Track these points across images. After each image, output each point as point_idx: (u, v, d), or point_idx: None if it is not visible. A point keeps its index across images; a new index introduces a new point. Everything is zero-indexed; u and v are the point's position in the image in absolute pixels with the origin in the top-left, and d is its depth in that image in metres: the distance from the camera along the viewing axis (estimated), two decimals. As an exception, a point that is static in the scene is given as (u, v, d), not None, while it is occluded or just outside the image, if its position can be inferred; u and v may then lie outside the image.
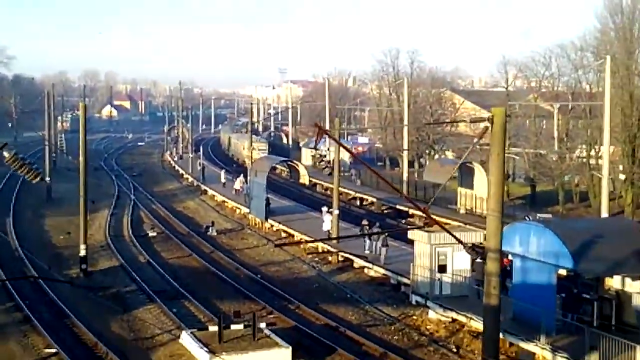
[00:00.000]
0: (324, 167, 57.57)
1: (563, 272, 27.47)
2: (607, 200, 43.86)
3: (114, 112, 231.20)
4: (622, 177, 51.10)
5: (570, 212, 59.59)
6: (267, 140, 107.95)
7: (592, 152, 59.33)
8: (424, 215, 55.09)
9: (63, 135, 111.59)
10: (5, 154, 19.34)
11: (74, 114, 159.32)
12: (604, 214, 43.53)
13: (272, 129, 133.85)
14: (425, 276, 33.42)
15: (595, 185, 57.76)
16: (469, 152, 44.38)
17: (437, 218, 54.84)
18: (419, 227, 30.47)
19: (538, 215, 49.55)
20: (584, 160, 61.24)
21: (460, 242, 18.52)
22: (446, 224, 50.43)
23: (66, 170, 76.39)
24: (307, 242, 38.57)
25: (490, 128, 15.95)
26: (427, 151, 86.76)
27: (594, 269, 26.61)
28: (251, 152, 64.80)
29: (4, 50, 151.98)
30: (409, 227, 54.96)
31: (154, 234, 53.07)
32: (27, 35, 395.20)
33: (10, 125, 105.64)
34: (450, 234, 19.09)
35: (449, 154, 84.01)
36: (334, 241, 44.85)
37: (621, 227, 30.63)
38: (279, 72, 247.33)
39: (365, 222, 46.87)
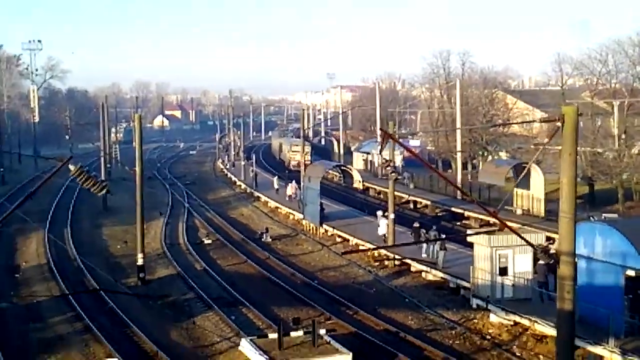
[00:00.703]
0: (391, 172, 57.00)
1: (631, 273, 26.60)
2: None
3: (166, 122, 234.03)
4: (685, 174, 49.70)
5: (631, 211, 58.14)
6: (310, 144, 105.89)
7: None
8: (486, 218, 54.60)
9: (117, 146, 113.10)
10: (71, 167, 19.26)
11: (128, 126, 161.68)
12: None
13: (323, 134, 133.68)
14: (485, 279, 32.85)
15: (657, 184, 56.45)
16: (538, 153, 43.24)
17: (494, 220, 54.44)
18: (488, 232, 29.70)
19: (603, 215, 48.35)
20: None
21: (532, 245, 17.95)
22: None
23: (121, 180, 77.21)
24: (372, 249, 38.15)
25: (561, 128, 15.40)
26: (480, 152, 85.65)
27: (663, 269, 25.75)
28: (303, 158, 64.58)
29: (59, 65, 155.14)
30: (466, 229, 54.37)
31: (209, 241, 53.22)
32: (80, 49, 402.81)
33: (67, 137, 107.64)
34: (522, 237, 18.51)
35: (503, 155, 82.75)
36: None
37: (690, 225, 29.65)
38: (328, 77, 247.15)
39: (416, 224, 46.39)
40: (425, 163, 18.72)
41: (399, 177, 60.16)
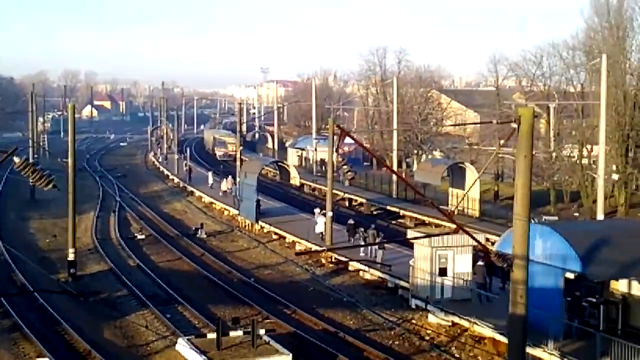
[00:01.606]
0: (350, 178, 57.13)
1: (570, 275, 26.82)
2: (603, 200, 43.40)
3: (95, 113, 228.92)
4: (615, 177, 50.66)
5: (562, 212, 59.12)
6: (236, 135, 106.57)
7: (585, 152, 58.93)
8: (421, 217, 54.61)
9: (46, 136, 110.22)
10: (16, 159, 18.25)
11: (55, 115, 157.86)
12: (600, 214, 43.11)
13: (257, 128, 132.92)
14: (425, 279, 32.79)
15: (588, 186, 57.46)
16: (493, 156, 43.31)
17: (429, 219, 54.78)
18: (428, 235, 29.53)
19: (543, 217, 48.99)
20: (574, 160, 60.89)
21: (487, 250, 17.79)
22: (441, 225, 50.00)
23: (50, 171, 75.00)
24: (326, 250, 37.75)
25: (517, 129, 15.23)
26: (414, 151, 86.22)
27: (603, 272, 26.08)
28: (239, 153, 63.80)
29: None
30: (401, 227, 54.47)
31: (142, 236, 52.08)
32: (5, 35, 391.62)
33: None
34: (476, 240, 18.29)
35: (437, 154, 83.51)
36: (328, 243, 44.12)
37: (628, 229, 30.14)
38: (261, 71, 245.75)
39: (351, 221, 46.39)
40: (383, 163, 18.30)
41: (353, 178, 60.24)
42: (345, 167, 55.70)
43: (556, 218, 47.43)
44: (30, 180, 19.05)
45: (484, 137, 77.33)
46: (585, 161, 59.03)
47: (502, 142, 41.43)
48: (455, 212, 55.94)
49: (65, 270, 40.51)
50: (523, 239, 15.51)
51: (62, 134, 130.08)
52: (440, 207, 28.98)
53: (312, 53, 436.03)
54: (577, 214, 56.51)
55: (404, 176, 76.79)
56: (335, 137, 46.02)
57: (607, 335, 24.55)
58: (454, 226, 44.69)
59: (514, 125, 15.27)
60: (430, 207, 49.54)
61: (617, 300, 27.84)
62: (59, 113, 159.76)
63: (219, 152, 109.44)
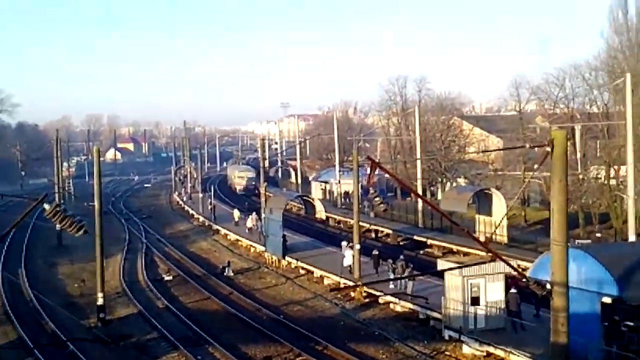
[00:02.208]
0: (383, 209, 56.98)
1: (607, 299, 26.21)
2: (634, 221, 42.60)
3: (118, 155, 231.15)
4: (643, 196, 49.75)
5: (592, 235, 58.24)
6: (254, 169, 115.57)
7: (612, 173, 58.13)
8: (449, 245, 54.23)
9: (71, 180, 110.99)
10: (46, 206, 18.17)
11: (80, 159, 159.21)
12: (632, 235, 42.29)
13: (280, 163, 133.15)
14: (457, 309, 32.28)
15: (617, 207, 56.60)
16: (529, 179, 42.63)
17: (458, 247, 54.17)
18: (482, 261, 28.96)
19: (576, 241, 48.23)
20: (601, 181, 60.10)
21: (525, 277, 17.35)
22: (469, 253, 49.39)
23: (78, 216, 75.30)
24: (361, 285, 37.33)
25: (550, 153, 14.88)
26: (439, 179, 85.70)
27: (640, 295, 25.39)
28: (264, 190, 63.67)
29: (9, 98, 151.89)
30: (429, 257, 53.91)
31: (170, 277, 51.94)
32: (29, 82, 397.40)
33: (23, 173, 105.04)
34: (513, 268, 17.87)
35: (461, 181, 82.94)
36: (356, 276, 43.69)
37: (663, 250, 29.46)
38: (281, 106, 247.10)
39: (375, 252, 46.23)
40: (415, 193, 17.99)
41: (386, 209, 60.02)
42: (377, 198, 55.39)
43: (589, 241, 46.62)
44: (60, 227, 18.92)
45: (508, 163, 76.71)
46: (612, 182, 58.19)
47: (536, 166, 40.89)
48: (483, 239, 55.72)
49: (95, 315, 40.31)
50: (562, 265, 15.09)
51: (86, 177, 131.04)
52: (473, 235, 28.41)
53: (331, 86, 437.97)
54: (599, 235, 55.54)
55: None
56: (364, 169, 45.81)
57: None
58: (482, 253, 44.59)
59: (548, 149, 14.91)
60: (465, 236, 49.02)
61: (656, 324, 27.10)
62: (84, 157, 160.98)
63: (238, 187, 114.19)
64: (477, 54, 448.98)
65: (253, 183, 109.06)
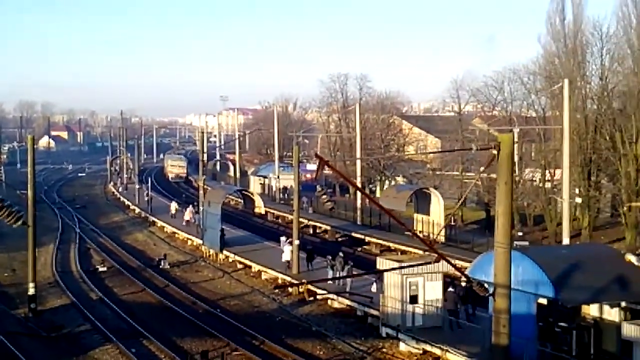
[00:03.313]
0: (330, 207, 56.93)
1: (542, 301, 26.61)
2: (569, 223, 43.43)
3: (52, 143, 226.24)
4: (578, 200, 50.87)
5: (526, 237, 59.21)
6: (186, 159, 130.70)
7: (547, 176, 59.28)
8: (386, 243, 54.46)
9: (2, 167, 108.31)
10: (-17, 196, 17.53)
11: (12, 147, 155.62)
12: (566, 237, 43.10)
13: (218, 157, 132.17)
14: (395, 307, 32.36)
15: (551, 209, 57.71)
16: (471, 186, 43.10)
17: (395, 246, 54.52)
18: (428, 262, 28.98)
19: (515, 242, 48.97)
20: (536, 183, 61.20)
21: (468, 278, 17.44)
22: (407, 252, 49.75)
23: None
24: (306, 283, 37.06)
25: (496, 156, 14.95)
26: (378, 177, 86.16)
27: (575, 297, 25.82)
28: (203, 183, 63.05)
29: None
30: (367, 254, 54.10)
31: (104, 268, 51.02)
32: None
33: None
34: (458, 269, 17.93)
35: (400, 180, 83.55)
36: (296, 272, 43.62)
37: (599, 254, 29.99)
38: (221, 99, 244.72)
39: (309, 247, 46.19)
40: (362, 192, 17.90)
41: (333, 208, 60.04)
42: (325, 196, 55.39)
43: (527, 243, 47.42)
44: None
45: (446, 163, 77.62)
46: (548, 185, 59.32)
47: (482, 168, 41.40)
48: (426, 239, 56.19)
49: (25, 305, 39.32)
50: (505, 267, 15.18)
51: (18, 165, 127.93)
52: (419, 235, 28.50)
53: (271, 81, 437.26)
54: (520, 234, 56.49)
55: (367, 202, 76.65)
56: (304, 164, 45.67)
57: (582, 361, 24.32)
58: (420, 252, 44.94)
59: (494, 152, 14.99)
60: (412, 237, 49.27)
61: (589, 325, 27.63)
62: (19, 145, 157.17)
63: (171, 175, 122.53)
64: (416, 56, 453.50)
65: (184, 172, 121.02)
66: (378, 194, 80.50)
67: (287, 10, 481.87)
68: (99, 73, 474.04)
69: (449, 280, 35.41)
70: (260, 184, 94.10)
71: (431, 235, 54.61)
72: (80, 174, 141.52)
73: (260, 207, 58.74)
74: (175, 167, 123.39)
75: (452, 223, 60.76)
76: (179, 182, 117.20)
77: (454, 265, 17.38)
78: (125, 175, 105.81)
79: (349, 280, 38.88)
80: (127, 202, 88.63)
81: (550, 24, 58.30)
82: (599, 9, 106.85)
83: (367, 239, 59.52)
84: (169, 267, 51.54)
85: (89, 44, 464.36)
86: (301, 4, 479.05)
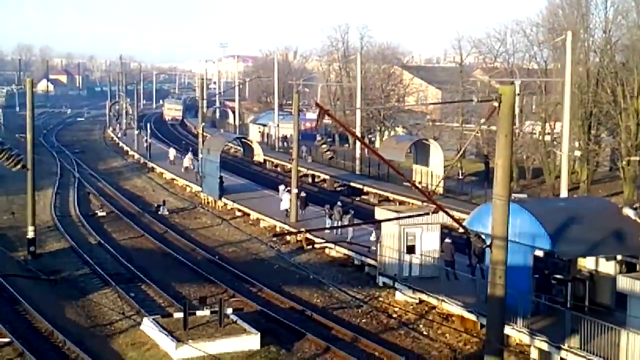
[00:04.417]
0: (330, 157, 56.96)
1: (539, 253, 26.78)
2: (567, 177, 43.45)
3: (51, 87, 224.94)
4: (577, 153, 50.87)
5: (525, 189, 59.36)
6: (182, 103, 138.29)
7: (547, 129, 59.19)
8: (385, 193, 54.57)
9: (1, 110, 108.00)
10: (-17, 138, 17.48)
11: (10, 89, 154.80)
12: (564, 191, 43.14)
13: (218, 104, 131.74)
14: (393, 257, 32.57)
15: (550, 162, 57.75)
16: (472, 138, 42.82)
17: (394, 196, 54.66)
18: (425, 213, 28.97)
19: (513, 195, 49.07)
20: (536, 136, 61.13)
21: (465, 229, 17.51)
22: (405, 202, 49.92)
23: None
24: (304, 232, 37.20)
25: (497, 108, 14.89)
26: (377, 128, 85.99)
27: (572, 250, 25.99)
28: (202, 130, 62.92)
29: None
30: (366, 204, 54.28)
31: (103, 213, 51.18)
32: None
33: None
34: (456, 221, 18.01)
35: (400, 130, 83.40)
36: (294, 221, 43.80)
37: (597, 207, 30.14)
38: (220, 46, 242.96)
39: (303, 194, 46.43)
40: (363, 142, 17.87)
41: (332, 157, 60.14)
42: (324, 145, 55.30)
43: (525, 196, 47.54)
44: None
45: (446, 114, 77.44)
46: (547, 138, 59.25)
47: (482, 120, 41.27)
48: (425, 190, 56.29)
49: (25, 248, 39.56)
50: (503, 219, 15.22)
51: (17, 108, 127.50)
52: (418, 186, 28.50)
53: (272, 28, 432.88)
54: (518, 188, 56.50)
55: (366, 152, 76.63)
56: (304, 113, 45.52)
57: (575, 312, 24.55)
58: (418, 202, 45.09)
59: (495, 104, 14.92)
60: (410, 188, 49.36)
61: (584, 278, 27.88)
62: (17, 87, 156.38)
63: (167, 117, 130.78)
64: (419, 6, 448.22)
65: (180, 115, 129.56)
66: (377, 144, 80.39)
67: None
68: (98, 15, 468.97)
69: (446, 232, 35.66)
70: (260, 132, 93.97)
71: (430, 187, 54.83)
72: (79, 119, 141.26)
73: (259, 155, 58.68)
74: (172, 110, 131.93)
75: (460, 177, 61.07)
76: (175, 124, 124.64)
77: (451, 217, 17.42)
78: (124, 121, 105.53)
79: (350, 229, 39.01)
80: (125, 148, 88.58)
81: (555, -25, 57.77)
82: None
83: (366, 189, 59.63)
84: (167, 213, 51.70)
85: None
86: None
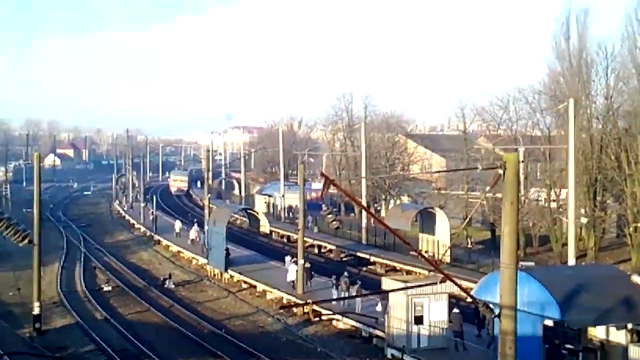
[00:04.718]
0: (336, 227, 56.99)
1: (548, 322, 26.51)
2: (575, 244, 43.30)
3: (58, 161, 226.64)
4: (583, 220, 50.80)
5: (532, 257, 59.07)
6: (188, 175, 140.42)
7: (553, 196, 59.15)
8: (391, 263, 54.35)
9: (8, 185, 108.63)
10: (-11, 214, 17.56)
11: (17, 164, 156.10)
12: (571, 258, 42.96)
13: (223, 175, 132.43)
14: (401, 328, 32.27)
15: (557, 229, 57.58)
16: (477, 206, 42.82)
17: (401, 265, 54.40)
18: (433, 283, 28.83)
19: (520, 263, 48.88)
20: (542, 203, 61.05)
21: (474, 299, 17.36)
22: (412, 272, 49.63)
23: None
24: (311, 304, 36.94)
25: (502, 175, 14.96)
26: (383, 196, 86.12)
27: (582, 319, 25.76)
28: (208, 201, 63.10)
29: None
30: (372, 274, 53.97)
31: (109, 288, 50.97)
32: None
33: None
34: (464, 290, 17.87)
35: (405, 199, 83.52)
36: (300, 292, 43.52)
37: (605, 275, 29.94)
38: (226, 118, 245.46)
39: (307, 264, 46.10)
40: (368, 212, 17.87)
41: (338, 227, 60.12)
42: (330, 215, 55.38)
43: (532, 264, 47.31)
44: (5, 235, 18.22)
45: (451, 182, 77.58)
46: (553, 205, 59.17)
47: (488, 188, 41.39)
48: (432, 259, 56.08)
49: (30, 325, 39.29)
50: (511, 288, 15.12)
51: (24, 183, 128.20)
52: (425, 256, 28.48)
53: (276, 99, 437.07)
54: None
55: (372, 222, 76.56)
56: (309, 183, 45.69)
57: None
58: (425, 272, 44.83)
59: (500, 171, 15.00)
60: (417, 257, 49.27)
61: (595, 347, 27.52)
62: (25, 163, 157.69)
63: (173, 189, 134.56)
64: (421, 76, 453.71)
65: (186, 186, 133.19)
66: (383, 213, 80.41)
67: (293, 30, 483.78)
68: (105, 91, 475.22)
69: (454, 301, 35.36)
70: (265, 202, 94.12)
71: (436, 255, 54.64)
72: (85, 192, 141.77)
73: (265, 226, 58.75)
74: (177, 182, 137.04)
75: (470, 245, 60.91)
76: (180, 195, 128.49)
77: (459, 286, 17.30)
78: (130, 194, 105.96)
79: (358, 300, 38.72)
80: (132, 221, 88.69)
81: (555, 43, 58.63)
82: (603, 28, 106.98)
83: (372, 258, 59.39)
84: (173, 286, 51.49)
85: (94, 63, 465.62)
86: (307, 24, 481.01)
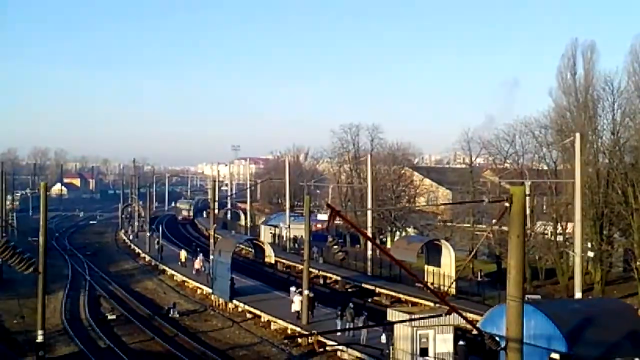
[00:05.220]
0: (342, 258, 56.75)
1: (555, 356, 26.34)
2: (581, 278, 43.16)
3: (64, 190, 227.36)
4: (590, 254, 50.64)
5: (538, 290, 58.83)
6: (193, 204, 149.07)
7: (559, 229, 59.05)
8: (397, 295, 54.21)
9: (14, 214, 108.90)
10: (-5, 242, 17.58)
11: (24, 193, 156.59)
12: (578, 292, 42.80)
13: (229, 205, 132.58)
14: (406, 360, 32.08)
15: (563, 263, 57.40)
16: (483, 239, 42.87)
17: (405, 297, 54.17)
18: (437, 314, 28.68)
19: (527, 296, 48.67)
20: (548, 237, 60.92)
21: (480, 332, 17.28)
22: (417, 303, 49.41)
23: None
24: (316, 334, 36.74)
25: (508, 209, 14.96)
26: (388, 228, 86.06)
27: (588, 352, 25.59)
28: (214, 231, 63.11)
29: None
30: (377, 306, 53.75)
31: (113, 316, 50.84)
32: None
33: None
34: (469, 322, 17.76)
35: (410, 231, 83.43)
36: (305, 323, 43.35)
37: (612, 309, 29.81)
38: (232, 149, 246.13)
39: (311, 294, 45.79)
40: (375, 243, 17.86)
41: (344, 258, 59.94)
42: (336, 247, 55.29)
43: (539, 297, 47.07)
44: (10, 263, 18.22)
45: (457, 215, 77.51)
46: (559, 238, 59.04)
47: (494, 221, 41.35)
48: (437, 291, 55.85)
49: (34, 353, 39.09)
50: (517, 321, 15.05)
51: (30, 211, 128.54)
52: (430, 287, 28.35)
53: (283, 131, 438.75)
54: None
55: (377, 253, 76.38)
56: (315, 214, 45.69)
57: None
58: (431, 304, 44.61)
59: (506, 205, 15.00)
60: (422, 289, 49.06)
61: (602, 381, 27.31)
62: (32, 192, 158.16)
63: (179, 216, 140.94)
64: (427, 108, 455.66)
65: (191, 214, 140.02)
66: (389, 245, 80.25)
67: (300, 61, 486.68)
68: (113, 122, 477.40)
69: (460, 333, 35.16)
70: (271, 233, 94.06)
71: (442, 288, 54.40)
72: (91, 222, 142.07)
73: (270, 257, 58.61)
74: (183, 210, 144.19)
75: (479, 278, 60.73)
76: (186, 223, 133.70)
77: (465, 318, 17.20)
78: (136, 223, 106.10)
79: (363, 331, 38.51)
80: (137, 250, 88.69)
81: (562, 78, 58.77)
82: (610, 64, 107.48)
83: (378, 290, 59.17)
84: (178, 315, 51.33)
85: (102, 94, 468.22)
86: (313, 56, 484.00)
